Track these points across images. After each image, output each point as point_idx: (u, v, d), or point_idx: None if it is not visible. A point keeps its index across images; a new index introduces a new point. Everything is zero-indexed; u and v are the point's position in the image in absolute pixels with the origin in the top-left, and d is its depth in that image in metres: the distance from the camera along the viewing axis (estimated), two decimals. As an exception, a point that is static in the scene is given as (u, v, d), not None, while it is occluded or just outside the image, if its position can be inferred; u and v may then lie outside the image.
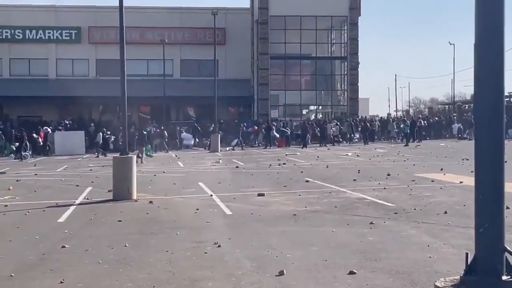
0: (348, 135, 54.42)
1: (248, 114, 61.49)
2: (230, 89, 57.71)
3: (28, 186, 24.22)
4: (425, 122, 58.00)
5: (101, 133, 46.19)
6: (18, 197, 20.48)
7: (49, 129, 48.68)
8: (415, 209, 15.78)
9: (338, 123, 55.11)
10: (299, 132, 53.30)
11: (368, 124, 55.64)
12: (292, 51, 60.20)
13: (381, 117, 73.38)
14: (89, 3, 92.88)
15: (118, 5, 20.64)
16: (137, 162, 35.14)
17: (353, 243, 11.81)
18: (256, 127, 54.07)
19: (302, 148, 48.19)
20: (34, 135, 47.48)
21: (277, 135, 52.03)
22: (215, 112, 49.71)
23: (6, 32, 60.24)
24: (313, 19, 58.89)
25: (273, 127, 52.64)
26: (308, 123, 54.68)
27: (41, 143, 47.46)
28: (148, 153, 40.33)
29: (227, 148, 48.56)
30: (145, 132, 40.81)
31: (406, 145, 47.27)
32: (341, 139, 53.99)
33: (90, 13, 61.46)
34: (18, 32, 60.32)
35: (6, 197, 20.22)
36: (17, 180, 26.39)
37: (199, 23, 60.32)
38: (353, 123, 55.24)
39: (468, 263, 8.05)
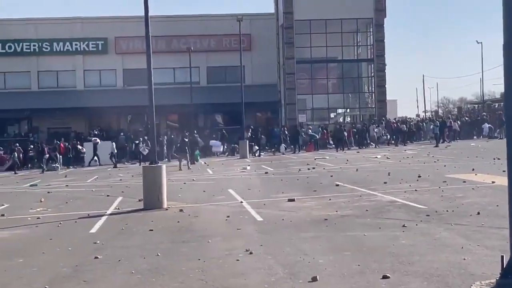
0: (384, 137, 54.20)
1: (275, 119, 61.43)
2: (257, 95, 57.65)
3: (59, 197, 24.40)
4: (459, 122, 57.35)
5: (114, 143, 46.24)
6: (50, 208, 20.65)
7: (98, 140, 48.73)
8: (447, 210, 15.64)
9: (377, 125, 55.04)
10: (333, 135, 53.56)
11: (404, 125, 55.40)
12: (318, 54, 59.98)
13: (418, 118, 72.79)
14: (115, 13, 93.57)
15: (143, 15, 20.73)
16: (180, 169, 36.27)
17: (385, 246, 11.72)
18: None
19: (338, 151, 48.22)
20: (79, 146, 47.61)
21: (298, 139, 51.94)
22: (242, 118, 49.76)
23: (34, 45, 60.81)
24: (339, 22, 58.67)
25: (302, 132, 52.71)
26: (343, 126, 54.72)
27: (85, 154, 47.51)
28: (196, 158, 42.00)
29: (256, 154, 48.57)
30: (186, 140, 41.18)
31: (436, 146, 46.95)
32: (369, 141, 53.83)
33: (116, 23, 61.80)
34: (46, 44, 60.85)
35: (39, 209, 20.39)
36: (49, 192, 26.63)
37: (224, 30, 60.42)
38: (394, 125, 55.19)
39: (504, 266, 7.94)
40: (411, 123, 59.59)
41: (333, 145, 52.13)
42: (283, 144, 50.76)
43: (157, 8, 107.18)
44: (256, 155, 48.32)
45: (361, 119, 61.14)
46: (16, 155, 45.38)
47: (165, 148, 47.88)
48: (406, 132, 54.36)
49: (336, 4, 57.41)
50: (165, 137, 49.17)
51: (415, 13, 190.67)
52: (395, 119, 63.37)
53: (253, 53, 61.76)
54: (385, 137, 54.61)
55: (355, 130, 54.36)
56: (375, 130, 53.35)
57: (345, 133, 52.45)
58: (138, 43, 56.75)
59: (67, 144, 49.01)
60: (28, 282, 10.50)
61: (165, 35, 58.55)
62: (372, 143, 52.83)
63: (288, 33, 58.80)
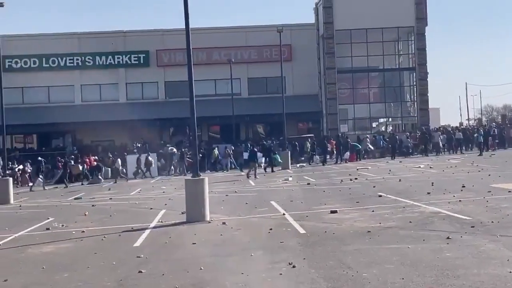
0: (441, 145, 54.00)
1: (317, 129, 61.31)
2: (298, 105, 57.72)
3: (103, 210, 24.62)
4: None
5: (119, 160, 46.35)
6: (94, 222, 20.84)
7: (175, 149, 49.02)
8: (492, 222, 15.40)
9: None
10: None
11: (461, 133, 54.91)
12: (359, 64, 59.85)
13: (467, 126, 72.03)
14: (156, 26, 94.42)
15: (184, 27, 20.87)
16: (248, 177, 37.63)
17: (429, 259, 11.58)
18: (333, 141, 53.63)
19: (392, 159, 48.11)
20: (149, 157, 48.01)
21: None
22: (284, 129, 49.76)
23: (77, 59, 61.66)
24: (379, 31, 58.48)
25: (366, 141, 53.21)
26: (395, 134, 54.80)
27: (152, 164, 47.78)
28: (276, 161, 44.37)
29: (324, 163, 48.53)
30: (255, 149, 41.72)
31: (480, 155, 46.36)
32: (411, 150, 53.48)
33: (157, 36, 62.41)
34: (89, 58, 61.67)
35: (79, 222, 20.60)
36: (93, 205, 26.89)
37: (264, 41, 60.59)
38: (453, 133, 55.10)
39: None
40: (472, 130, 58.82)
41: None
42: (347, 152, 50.84)
43: (197, 21, 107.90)
44: (323, 163, 48.52)
45: (403, 128, 60.73)
46: (86, 167, 45.98)
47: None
48: (462, 140, 53.80)
49: (377, 13, 57.23)
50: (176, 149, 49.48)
51: (456, 20, 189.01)
52: (443, 127, 62.91)
53: (293, 63, 61.82)
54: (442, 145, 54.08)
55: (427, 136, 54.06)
56: (440, 137, 53.05)
57: (409, 140, 52.68)
58: (179, 56, 57.20)
59: (111, 156, 49.42)
60: (73, 296, 10.61)
61: (206, 47, 58.92)
62: (435, 151, 52.59)
63: (328, 43, 58.76)
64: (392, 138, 52.57)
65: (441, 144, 52.82)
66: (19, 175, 46.85)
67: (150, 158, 47.40)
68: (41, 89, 61.31)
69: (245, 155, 49.83)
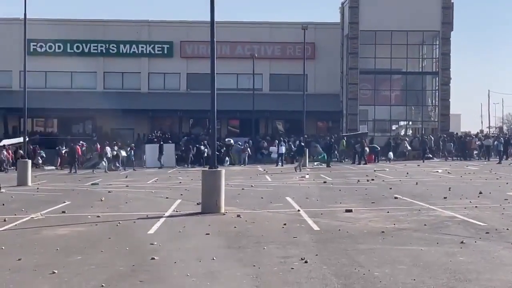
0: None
1: (336, 129, 61.16)
2: (319, 104, 57.64)
3: (119, 197, 24.77)
4: None
5: (108, 148, 46.06)
6: (110, 208, 20.97)
7: (232, 140, 49.29)
8: (508, 229, 15.35)
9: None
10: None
11: (490, 140, 54.66)
12: (382, 65, 59.57)
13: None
14: (181, 18, 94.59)
15: (209, 20, 20.89)
16: (296, 170, 39.12)
17: (442, 262, 11.57)
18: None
19: (423, 161, 48.00)
20: (202, 147, 48.16)
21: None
22: (303, 126, 49.71)
23: (101, 46, 61.83)
24: (404, 34, 58.21)
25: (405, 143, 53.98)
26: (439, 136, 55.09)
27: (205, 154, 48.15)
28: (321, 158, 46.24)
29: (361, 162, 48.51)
30: (302, 144, 42.28)
31: (499, 163, 46.12)
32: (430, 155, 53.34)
33: (182, 28, 62.49)
34: (112, 46, 61.82)
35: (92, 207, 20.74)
36: (109, 192, 27.05)
37: (288, 37, 60.55)
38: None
39: None
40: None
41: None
42: (390, 152, 50.92)
43: (222, 14, 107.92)
44: (362, 163, 48.28)
45: (423, 132, 60.45)
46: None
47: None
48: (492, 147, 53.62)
49: (403, 16, 56.98)
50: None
51: (481, 26, 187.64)
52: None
53: (316, 62, 61.71)
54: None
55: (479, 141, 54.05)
56: (477, 142, 53.03)
57: (450, 144, 53.26)
58: (203, 48, 57.40)
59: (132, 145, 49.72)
60: (85, 279, 10.69)
61: (229, 40, 59.03)
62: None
63: (352, 43, 58.56)
64: (422, 142, 52.47)
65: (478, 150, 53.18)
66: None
67: (202, 148, 48.13)
68: (64, 74, 61.53)
69: (282, 149, 49.84)
